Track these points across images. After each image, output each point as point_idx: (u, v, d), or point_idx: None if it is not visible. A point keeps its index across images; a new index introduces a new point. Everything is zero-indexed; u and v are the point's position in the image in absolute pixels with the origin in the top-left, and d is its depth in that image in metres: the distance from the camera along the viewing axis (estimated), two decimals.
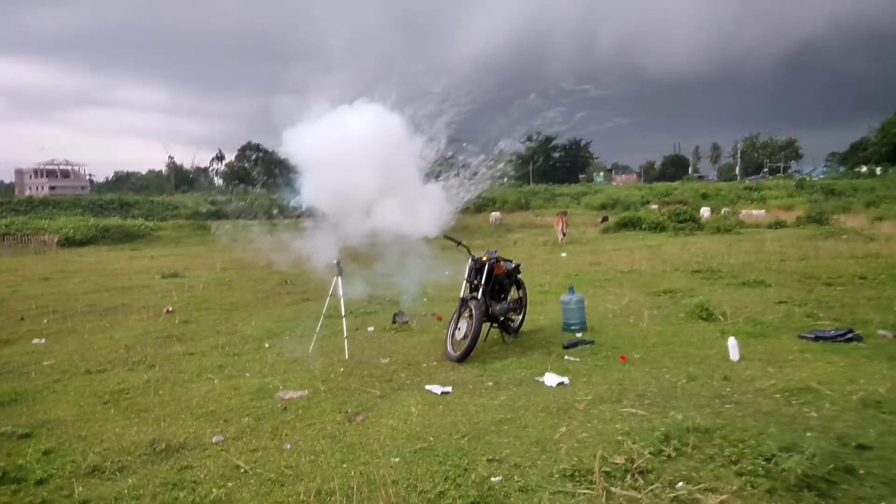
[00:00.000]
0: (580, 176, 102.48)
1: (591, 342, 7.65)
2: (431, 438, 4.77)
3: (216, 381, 6.68)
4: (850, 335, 7.24)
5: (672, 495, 3.67)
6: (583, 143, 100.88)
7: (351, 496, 3.88)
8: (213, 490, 4.07)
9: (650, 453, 4.17)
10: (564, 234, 24.24)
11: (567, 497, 3.75)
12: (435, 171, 8.49)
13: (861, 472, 3.84)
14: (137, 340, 8.85)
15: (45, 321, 10.74)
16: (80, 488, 4.18)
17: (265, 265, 12.77)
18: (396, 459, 4.42)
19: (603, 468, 3.97)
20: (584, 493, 3.76)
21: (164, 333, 9.32)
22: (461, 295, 7.68)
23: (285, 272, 14.21)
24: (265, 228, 9.47)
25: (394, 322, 9.34)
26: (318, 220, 8.15)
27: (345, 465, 4.38)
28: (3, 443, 5.04)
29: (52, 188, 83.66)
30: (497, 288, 7.83)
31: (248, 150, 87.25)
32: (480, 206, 43.22)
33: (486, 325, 7.66)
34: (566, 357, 7.08)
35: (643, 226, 27.72)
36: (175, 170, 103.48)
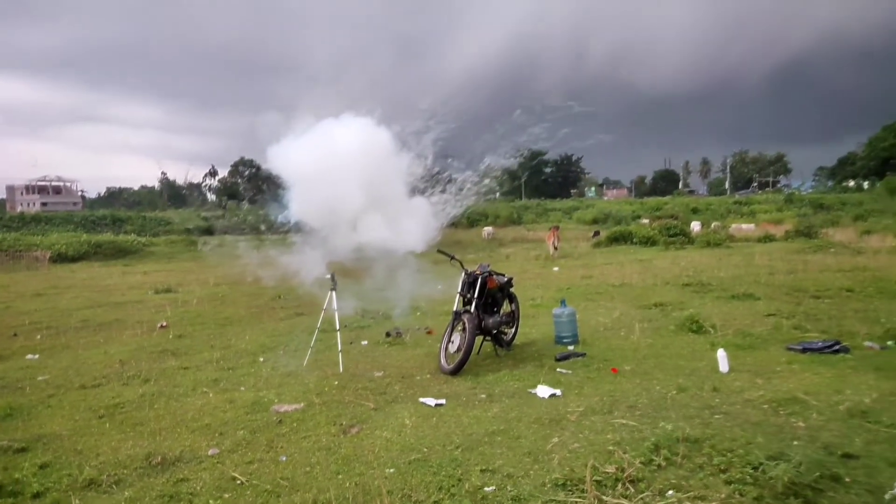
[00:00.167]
0: (572, 191, 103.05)
1: (583, 355, 7.73)
2: (425, 449, 4.83)
3: (211, 394, 6.72)
4: (837, 347, 7.34)
5: (662, 503, 3.75)
6: (574, 158, 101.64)
7: None
8: (210, 501, 4.12)
9: (641, 463, 4.24)
10: (556, 249, 24.34)
11: None
12: (421, 187, 8.57)
13: (847, 480, 3.92)
14: (132, 355, 8.87)
15: (39, 337, 10.74)
16: (77, 501, 4.23)
17: (253, 281, 12.78)
18: (391, 470, 4.47)
19: (594, 477, 4.04)
20: (576, 502, 3.83)
21: (159, 348, 9.35)
22: (454, 308, 7.76)
23: (279, 287, 14.25)
24: (252, 244, 9.50)
25: (387, 336, 9.40)
26: (306, 235, 8.21)
27: (340, 477, 4.43)
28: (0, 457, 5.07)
29: (44, 204, 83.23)
30: (490, 301, 7.91)
31: (241, 165, 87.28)
32: (473, 220, 43.44)
33: (479, 339, 7.73)
34: (558, 369, 7.16)
35: (634, 240, 27.90)
36: (168, 185, 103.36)
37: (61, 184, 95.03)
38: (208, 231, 44.11)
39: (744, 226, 36.14)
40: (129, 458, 4.94)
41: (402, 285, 8.86)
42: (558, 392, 6.18)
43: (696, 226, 35.27)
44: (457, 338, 7.40)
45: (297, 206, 7.97)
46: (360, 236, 7.84)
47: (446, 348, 7.45)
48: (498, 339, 8.03)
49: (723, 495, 3.77)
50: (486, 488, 4.07)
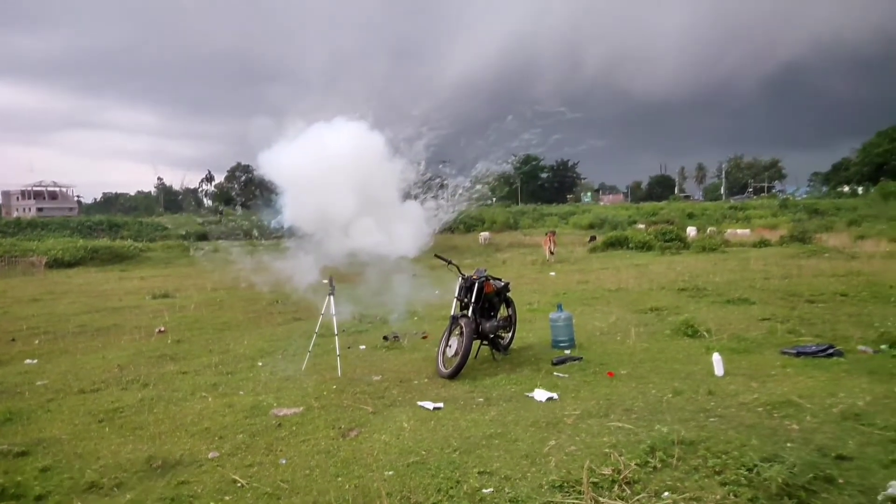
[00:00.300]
0: (568, 196, 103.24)
1: (580, 359, 7.78)
2: (424, 452, 4.88)
3: (210, 399, 6.75)
4: (830, 350, 7.41)
5: None
6: (570, 163, 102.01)
7: None
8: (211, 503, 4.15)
9: (637, 465, 4.29)
10: (553, 254, 24.41)
11: None
12: (413, 192, 8.61)
13: (840, 481, 3.97)
14: (130, 360, 8.89)
15: (37, 342, 10.75)
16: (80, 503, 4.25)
17: (247, 286, 12.79)
18: (390, 473, 4.52)
19: (591, 479, 4.09)
20: None
21: (157, 353, 9.37)
22: (452, 313, 7.81)
23: (274, 292, 14.27)
24: (246, 250, 9.52)
25: (385, 340, 9.44)
26: (299, 240, 8.23)
27: (339, 479, 4.48)
28: (0, 461, 5.09)
29: (40, 210, 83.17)
30: (487, 306, 7.96)
31: (237, 171, 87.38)
32: (470, 225, 43.53)
33: (476, 343, 7.78)
34: (555, 373, 7.21)
35: (630, 245, 27.96)
36: (164, 191, 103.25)
37: (57, 189, 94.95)
38: (203, 237, 44.03)
39: (739, 231, 36.23)
40: (130, 462, 4.97)
41: (399, 290, 8.90)
42: (555, 396, 6.23)
43: (691, 231, 35.34)
44: (454, 342, 7.44)
45: (290, 211, 7.98)
46: (353, 241, 7.85)
47: (444, 352, 7.50)
48: (495, 344, 8.08)
49: (718, 496, 3.82)
50: (483, 490, 4.12)
